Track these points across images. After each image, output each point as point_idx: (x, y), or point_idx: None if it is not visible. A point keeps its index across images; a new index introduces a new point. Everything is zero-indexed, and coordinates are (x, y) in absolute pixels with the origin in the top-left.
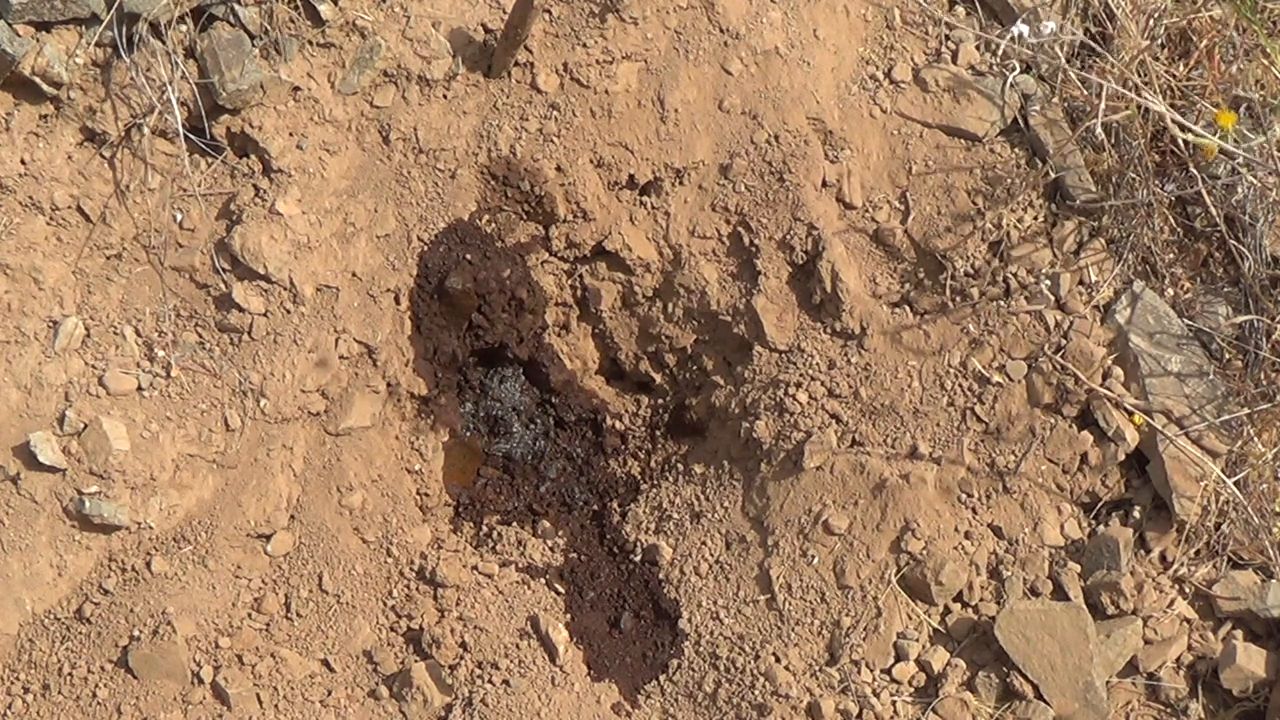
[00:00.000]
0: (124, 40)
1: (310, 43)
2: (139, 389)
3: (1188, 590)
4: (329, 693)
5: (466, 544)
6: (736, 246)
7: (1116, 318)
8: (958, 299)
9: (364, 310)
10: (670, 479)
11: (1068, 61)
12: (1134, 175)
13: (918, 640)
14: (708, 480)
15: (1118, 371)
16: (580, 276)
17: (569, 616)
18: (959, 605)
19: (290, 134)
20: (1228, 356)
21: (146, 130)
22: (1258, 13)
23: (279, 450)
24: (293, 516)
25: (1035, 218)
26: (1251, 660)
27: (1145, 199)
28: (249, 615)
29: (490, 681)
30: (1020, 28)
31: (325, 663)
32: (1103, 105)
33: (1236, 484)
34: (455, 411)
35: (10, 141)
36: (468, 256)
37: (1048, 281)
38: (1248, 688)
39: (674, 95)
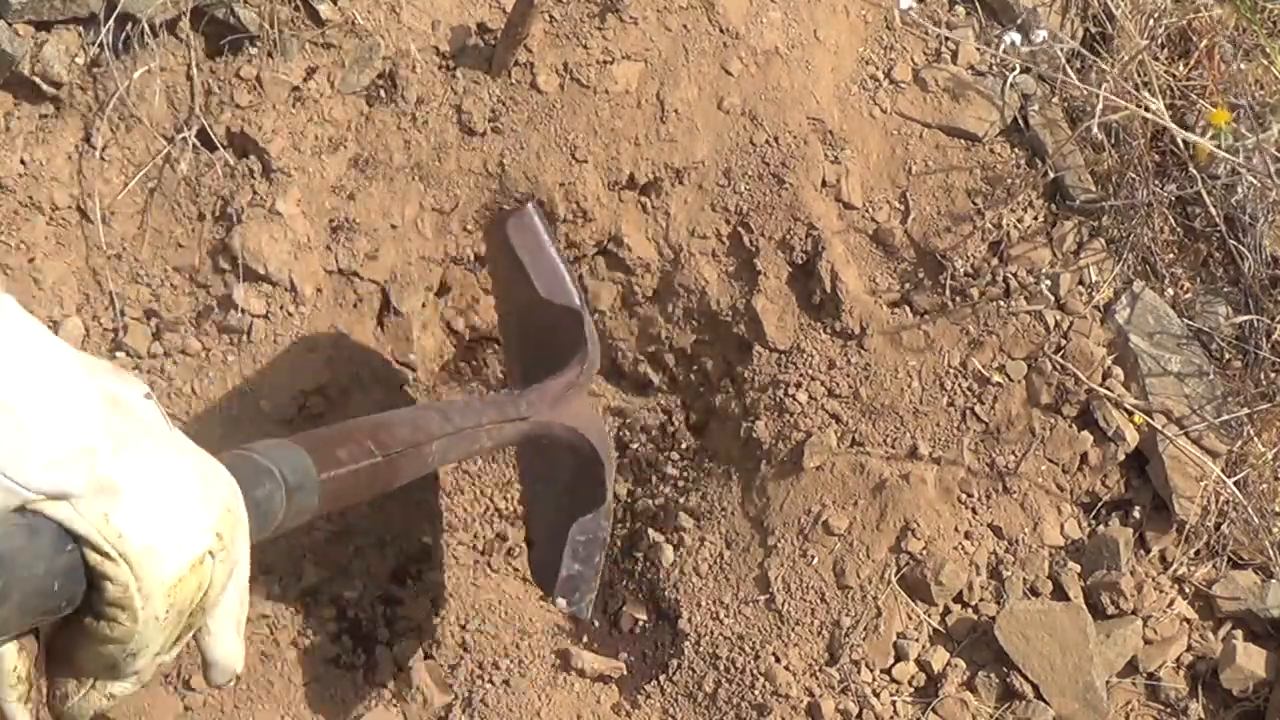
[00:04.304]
0: (122, 40)
1: (310, 43)
2: None
3: (1188, 590)
4: (333, 691)
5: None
6: (736, 246)
7: (1116, 318)
8: (958, 299)
9: None
10: (670, 479)
11: (1067, 61)
12: (1134, 175)
13: (918, 640)
14: (708, 480)
15: (1118, 371)
16: (580, 276)
17: (569, 616)
18: (959, 605)
19: (290, 134)
20: (1228, 356)
21: (146, 130)
22: (1258, 13)
23: None
24: None
25: (1035, 218)
26: (1251, 660)
27: (1145, 199)
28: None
29: (490, 681)
30: (1013, 35)
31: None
32: (1100, 106)
33: (1236, 484)
34: None
35: (10, 141)
36: None
37: (1047, 281)
38: (1248, 688)
39: (674, 95)
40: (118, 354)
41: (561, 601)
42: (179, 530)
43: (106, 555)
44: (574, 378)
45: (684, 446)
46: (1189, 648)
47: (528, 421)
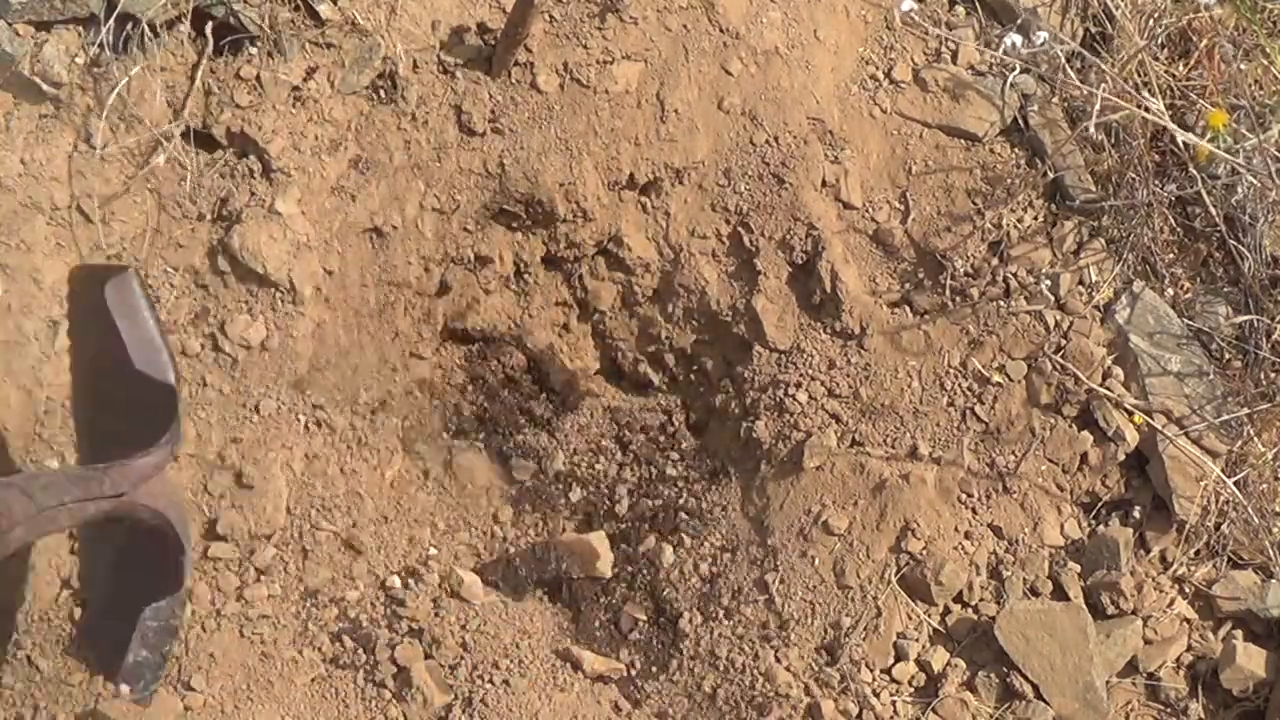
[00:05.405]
0: (122, 40)
1: (310, 43)
2: None
3: (1188, 590)
4: (332, 690)
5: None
6: (736, 246)
7: (1116, 318)
8: (958, 299)
9: None
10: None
11: (1067, 61)
12: (1134, 175)
13: (918, 640)
14: (708, 480)
15: (1118, 371)
16: (580, 276)
17: (570, 616)
18: (959, 605)
19: (290, 134)
20: (1228, 356)
21: (146, 130)
22: (1258, 13)
23: (279, 451)
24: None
25: (1035, 218)
26: (1251, 660)
27: (1145, 199)
28: None
29: (490, 681)
30: (1014, 37)
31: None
32: (1098, 106)
33: (1236, 484)
34: None
35: (10, 141)
36: None
37: (1047, 281)
38: (1248, 688)
39: (674, 95)
40: None
41: (125, 688)
42: None
43: None
44: (163, 458)
45: (684, 446)
46: (1189, 648)
47: (111, 501)
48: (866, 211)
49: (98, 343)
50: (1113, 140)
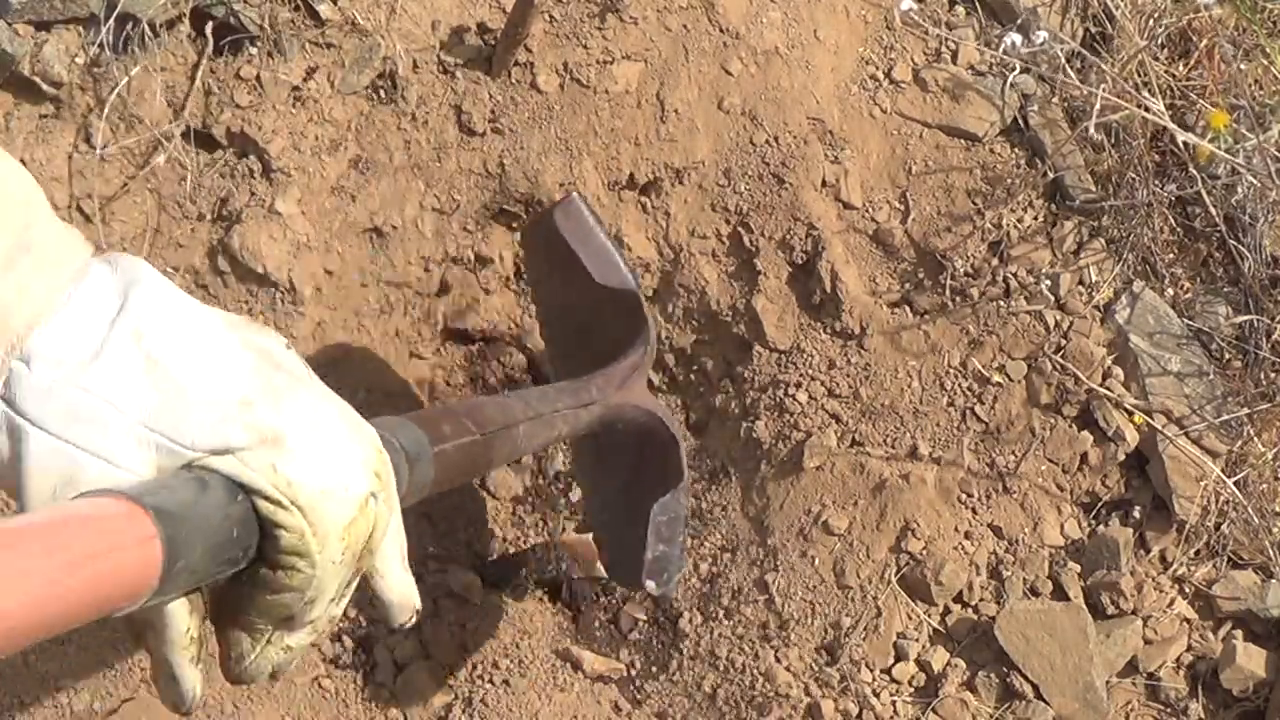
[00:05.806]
0: (122, 40)
1: (310, 43)
2: None
3: (1188, 590)
4: (332, 690)
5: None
6: (736, 246)
7: (1116, 318)
8: (958, 299)
9: None
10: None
11: (1067, 61)
12: (1134, 175)
13: (918, 640)
14: (708, 480)
15: (1118, 371)
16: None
17: (570, 616)
18: (959, 605)
19: (290, 134)
20: (1228, 356)
21: (146, 130)
22: (1258, 13)
23: None
24: None
25: (1035, 218)
26: (1251, 660)
27: (1145, 199)
28: None
29: (490, 681)
30: (1014, 37)
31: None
32: (1098, 106)
33: (1236, 484)
34: None
35: (10, 141)
36: None
37: (1047, 281)
38: (1248, 688)
39: (674, 95)
40: None
41: (650, 584)
42: (344, 473)
43: (279, 504)
44: (639, 359)
45: (684, 446)
46: (1189, 648)
47: (599, 405)
48: (866, 211)
49: (562, 274)
50: (1113, 140)
